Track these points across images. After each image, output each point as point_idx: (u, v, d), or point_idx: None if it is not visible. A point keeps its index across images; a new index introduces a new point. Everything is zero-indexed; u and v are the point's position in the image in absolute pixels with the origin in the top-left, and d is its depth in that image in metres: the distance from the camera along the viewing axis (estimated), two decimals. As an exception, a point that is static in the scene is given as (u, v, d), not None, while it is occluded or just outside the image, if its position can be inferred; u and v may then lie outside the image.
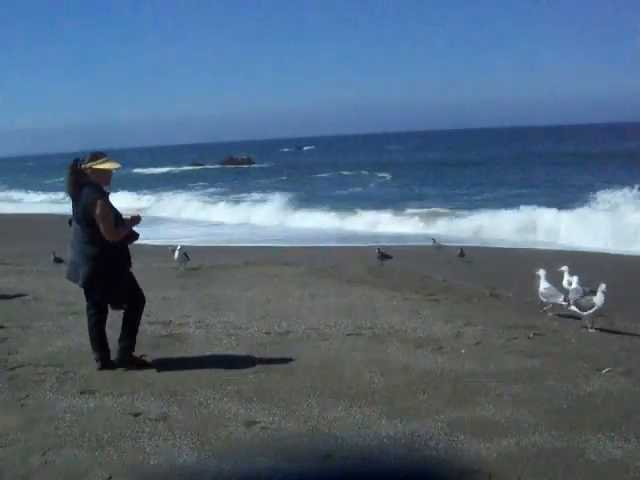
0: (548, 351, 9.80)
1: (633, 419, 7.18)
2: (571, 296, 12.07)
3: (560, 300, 12.17)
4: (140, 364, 9.16)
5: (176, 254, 18.09)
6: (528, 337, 10.56)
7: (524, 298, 14.11)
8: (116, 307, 9.13)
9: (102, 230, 8.54)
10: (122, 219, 8.85)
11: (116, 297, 9.02)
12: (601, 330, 11.15)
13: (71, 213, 8.87)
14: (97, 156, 8.74)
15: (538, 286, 12.55)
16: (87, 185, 8.61)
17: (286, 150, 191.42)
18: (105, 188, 8.83)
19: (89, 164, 8.65)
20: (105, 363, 9.06)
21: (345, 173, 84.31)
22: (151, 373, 8.86)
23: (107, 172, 8.81)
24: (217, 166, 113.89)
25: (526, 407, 7.54)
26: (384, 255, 20.55)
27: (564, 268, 13.24)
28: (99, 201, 8.56)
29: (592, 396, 7.92)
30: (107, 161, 8.77)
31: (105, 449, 6.59)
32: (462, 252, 22.82)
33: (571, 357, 9.53)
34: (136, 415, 7.46)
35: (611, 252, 25.16)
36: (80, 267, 8.69)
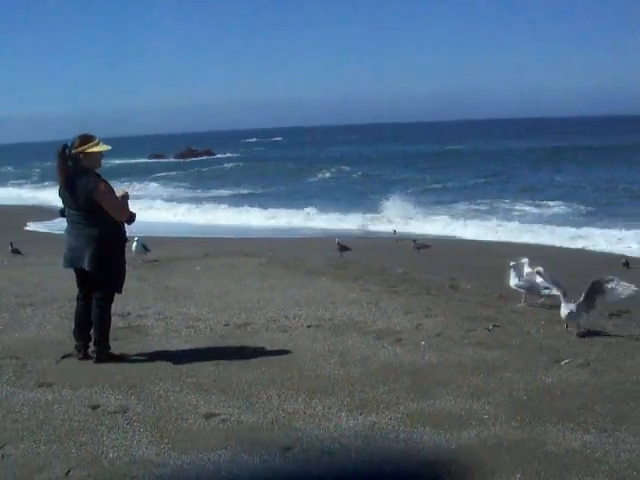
0: (507, 343, 9.83)
1: (592, 410, 7.22)
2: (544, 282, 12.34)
3: (536, 289, 12.39)
4: (116, 358, 9.09)
5: (133, 245, 17.91)
6: (488, 329, 10.59)
7: (484, 290, 14.17)
8: (118, 290, 9.12)
9: (111, 210, 8.55)
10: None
11: (120, 280, 9.07)
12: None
13: (61, 202, 8.84)
14: (87, 139, 8.64)
15: (514, 277, 12.58)
16: (81, 171, 8.54)
17: (253, 140, 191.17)
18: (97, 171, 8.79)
19: (80, 148, 8.54)
20: (86, 353, 9.01)
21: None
22: (110, 365, 8.75)
23: (99, 155, 8.77)
24: (172, 159, 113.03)
25: (486, 398, 7.57)
26: (343, 247, 20.57)
27: (524, 260, 13.29)
28: (102, 184, 8.55)
29: (551, 387, 7.96)
30: (98, 144, 8.70)
31: (64, 442, 6.51)
32: (421, 244, 22.90)
33: (530, 349, 9.57)
34: (95, 408, 7.38)
35: (570, 247, 25.45)
36: (85, 250, 8.62)
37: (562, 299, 10.18)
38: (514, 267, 12.56)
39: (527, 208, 39.37)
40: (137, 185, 63.60)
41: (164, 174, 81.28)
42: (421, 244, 22.90)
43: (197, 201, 48.85)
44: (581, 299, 10.07)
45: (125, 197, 9.01)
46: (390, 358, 9.11)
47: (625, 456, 6.15)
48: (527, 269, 12.96)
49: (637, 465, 5.98)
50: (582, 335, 9.99)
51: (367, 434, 6.67)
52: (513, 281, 12.57)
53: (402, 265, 18.29)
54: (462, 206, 41.08)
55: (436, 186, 54.60)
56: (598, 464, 6.00)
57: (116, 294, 9.13)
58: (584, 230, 29.94)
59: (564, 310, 10.20)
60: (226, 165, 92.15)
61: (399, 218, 35.54)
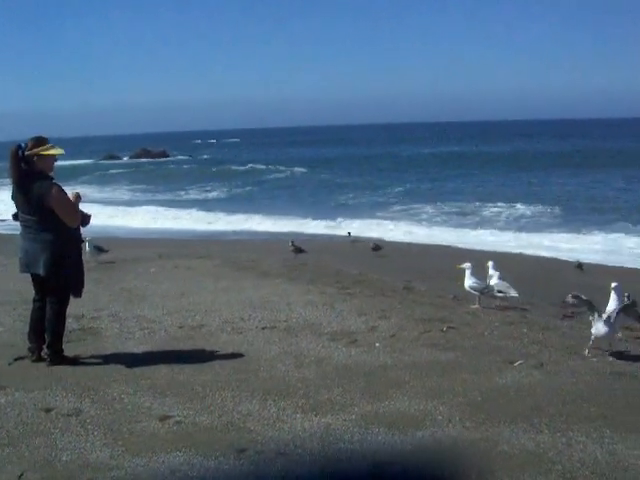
0: (461, 344, 9.90)
1: (545, 411, 7.29)
2: (499, 284, 12.47)
3: (513, 294, 12.64)
4: (70, 360, 9.02)
5: (86, 247, 17.74)
6: (442, 330, 10.65)
7: (438, 292, 14.24)
8: (77, 294, 9.02)
9: (63, 216, 8.44)
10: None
11: (77, 282, 8.96)
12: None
13: (14, 205, 8.76)
14: (40, 142, 8.55)
15: (468, 279, 12.65)
16: (34, 174, 8.46)
17: (210, 142, 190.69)
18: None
19: (34, 150, 8.46)
20: (40, 356, 8.93)
21: (260, 167, 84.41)
22: (63, 368, 8.66)
23: (52, 158, 8.69)
24: (127, 160, 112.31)
25: (440, 399, 7.60)
26: (298, 249, 20.55)
27: (490, 264, 13.40)
28: (54, 188, 8.45)
29: (505, 388, 8.02)
30: (52, 147, 8.62)
31: (17, 445, 6.43)
32: (376, 246, 22.92)
33: (484, 350, 9.64)
34: (48, 411, 7.29)
35: (525, 252, 25.66)
36: (40, 255, 8.52)
37: (596, 317, 9.82)
38: (468, 269, 12.65)
39: (485, 211, 39.65)
40: (90, 187, 63.22)
41: (118, 175, 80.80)
42: (378, 246, 22.91)
43: (152, 203, 48.68)
44: (612, 319, 9.85)
45: (77, 200, 8.95)
46: (345, 360, 9.13)
47: (578, 456, 6.21)
48: (491, 271, 13.10)
49: (590, 464, 6.04)
50: (612, 354, 9.73)
51: (322, 435, 6.66)
52: (467, 283, 12.66)
53: (357, 267, 18.32)
54: (419, 209, 41.26)
55: (394, 189, 54.74)
56: (551, 464, 6.05)
57: (71, 297, 9.06)
58: (541, 235, 30.40)
59: (601, 329, 9.66)
60: (180, 166, 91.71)
61: (356, 221, 35.62)
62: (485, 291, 12.59)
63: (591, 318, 9.67)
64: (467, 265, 12.75)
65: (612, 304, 10.20)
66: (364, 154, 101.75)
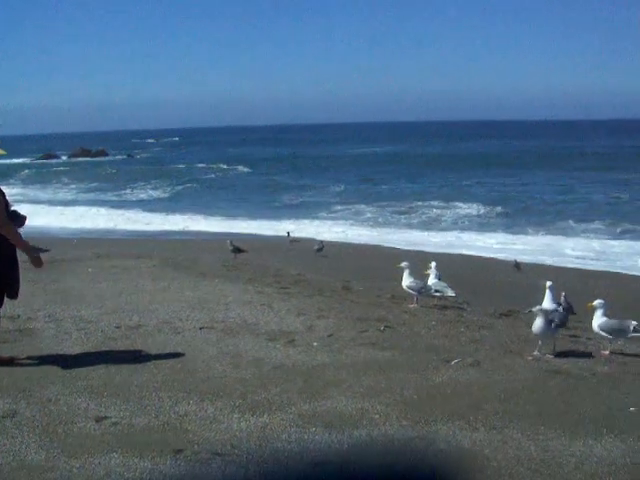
0: (399, 343, 9.94)
1: (481, 408, 7.36)
2: (436, 284, 12.62)
3: (450, 294, 12.85)
4: (5, 361, 8.89)
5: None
6: (379, 330, 10.69)
7: (376, 292, 14.31)
8: (12, 295, 8.89)
9: None
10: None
11: (12, 283, 8.80)
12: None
13: None
14: None
15: (406, 278, 12.74)
16: None
17: (149, 141, 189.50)
18: None
19: None
20: None
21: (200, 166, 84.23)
22: (-2, 369, 8.62)
23: None
24: (65, 159, 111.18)
25: (377, 398, 7.62)
26: (237, 249, 20.52)
27: (432, 264, 13.55)
28: None
29: (442, 387, 8.08)
30: None
31: (-49, 447, 6.38)
32: (320, 246, 22.94)
33: (421, 349, 9.71)
34: (-17, 413, 7.24)
35: (465, 252, 25.93)
36: None
37: (538, 316, 9.83)
38: (406, 269, 12.74)
39: (426, 211, 39.96)
40: (27, 187, 62.63)
41: (57, 174, 79.96)
42: (321, 247, 22.91)
43: (91, 203, 48.38)
44: (556, 319, 9.96)
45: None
46: (282, 359, 9.11)
47: (513, 452, 6.28)
48: (431, 271, 13.24)
49: (525, 461, 6.10)
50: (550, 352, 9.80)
51: (259, 435, 6.64)
52: (405, 282, 12.75)
53: (297, 267, 18.36)
54: (361, 209, 41.43)
55: (336, 189, 54.94)
56: (487, 461, 6.10)
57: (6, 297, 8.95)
58: (480, 235, 30.81)
59: (545, 328, 9.73)
60: (120, 166, 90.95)
61: (296, 221, 35.72)
62: (422, 290, 12.70)
63: (534, 310, 9.78)
64: (405, 264, 12.84)
65: (547, 302, 10.35)
66: (309, 154, 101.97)
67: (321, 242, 23.61)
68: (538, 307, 9.84)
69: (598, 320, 9.87)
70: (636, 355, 10.02)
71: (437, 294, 12.88)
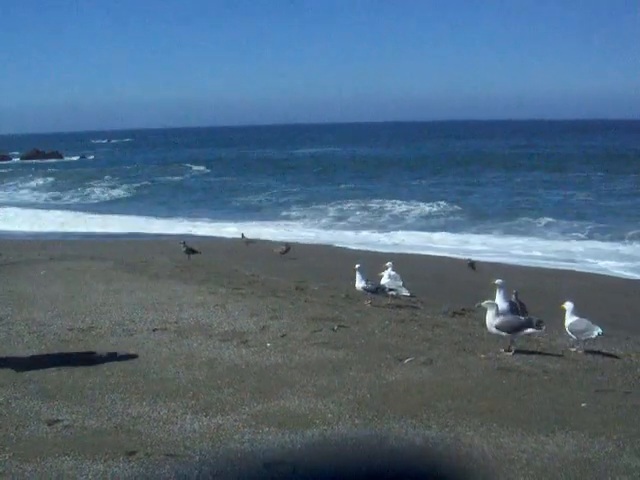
0: (352, 343, 9.96)
1: (434, 406, 7.39)
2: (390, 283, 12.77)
3: (405, 293, 13.19)
4: None
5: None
6: (333, 329, 10.71)
7: (331, 291, 14.34)
8: None
9: None
10: None
11: None
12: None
13: None
14: None
15: (360, 280, 12.84)
16: None
17: (103, 142, 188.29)
18: None
19: None
20: None
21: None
22: (-51, 374, 8.52)
23: None
24: (18, 161, 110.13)
25: (330, 398, 7.63)
26: (190, 249, 20.50)
27: (389, 264, 13.66)
28: None
29: (395, 385, 8.11)
30: None
31: None
32: (287, 249, 22.88)
33: (374, 348, 9.73)
34: (-64, 416, 7.16)
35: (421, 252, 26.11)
36: None
37: (493, 315, 9.99)
38: (359, 270, 12.81)
39: (383, 213, 40.07)
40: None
41: (6, 175, 79.22)
42: (285, 249, 22.86)
43: (44, 206, 48.09)
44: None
45: None
46: (236, 360, 9.09)
47: (465, 450, 6.32)
48: (389, 271, 13.36)
49: (477, 458, 6.14)
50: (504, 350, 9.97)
51: (212, 436, 6.62)
52: (359, 284, 12.82)
53: (251, 268, 18.36)
54: (320, 210, 41.44)
55: (293, 189, 54.99)
56: (439, 458, 6.14)
57: None
58: (436, 234, 31.14)
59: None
60: (73, 167, 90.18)
61: (254, 222, 35.75)
62: (377, 290, 12.79)
63: (483, 304, 9.89)
64: (358, 266, 12.91)
65: (499, 300, 10.44)
66: (268, 155, 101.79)
67: (286, 244, 23.55)
68: (487, 301, 9.95)
69: (569, 320, 10.01)
70: (587, 352, 10.13)
71: (391, 293, 12.98)
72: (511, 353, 9.68)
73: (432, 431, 6.76)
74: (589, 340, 10.14)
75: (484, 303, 9.89)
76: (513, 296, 11.37)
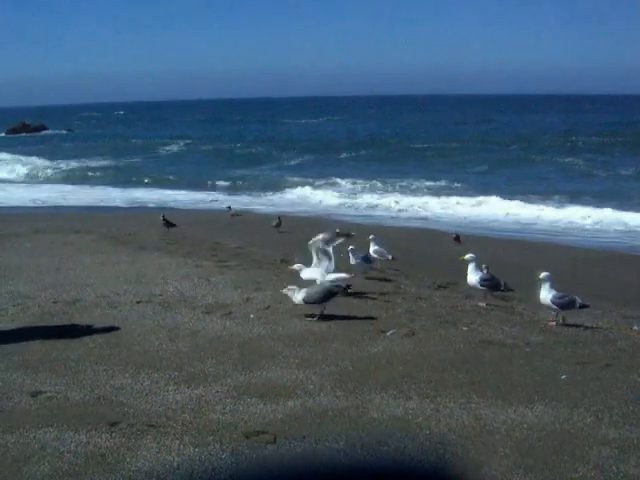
0: (335, 315, 10.02)
1: (415, 377, 7.47)
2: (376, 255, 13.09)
3: (389, 257, 13.72)
4: None
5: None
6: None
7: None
8: None
9: None
10: None
11: None
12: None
13: None
14: None
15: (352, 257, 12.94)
16: None
17: (93, 114, 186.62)
18: None
19: None
20: None
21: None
22: None
23: None
24: (3, 135, 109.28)
25: (312, 369, 7.70)
26: (168, 222, 20.43)
27: (371, 237, 13.85)
28: None
29: (376, 357, 8.17)
30: None
31: None
32: (279, 222, 22.70)
33: (357, 320, 9.79)
34: None
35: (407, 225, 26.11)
36: None
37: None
38: (351, 251, 12.90)
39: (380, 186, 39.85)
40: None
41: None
42: (277, 222, 22.60)
43: (32, 178, 47.91)
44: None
45: None
46: (219, 332, 9.14)
47: (445, 421, 6.39)
48: (373, 245, 13.55)
49: (456, 429, 6.22)
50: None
51: (194, 407, 6.67)
52: (352, 261, 12.94)
53: (237, 240, 18.35)
54: (316, 181, 41.19)
55: (292, 163, 54.70)
56: (419, 429, 6.21)
57: None
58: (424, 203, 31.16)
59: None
60: (60, 140, 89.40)
61: (242, 195, 35.78)
62: (367, 260, 13.06)
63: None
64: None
65: (471, 274, 10.75)
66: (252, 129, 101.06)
67: (278, 217, 23.31)
68: (470, 255, 10.41)
69: (548, 293, 10.05)
70: (568, 325, 10.19)
71: (380, 257, 13.33)
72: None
73: (412, 402, 6.84)
74: (570, 312, 10.23)
75: (467, 256, 10.66)
76: (485, 270, 11.47)
